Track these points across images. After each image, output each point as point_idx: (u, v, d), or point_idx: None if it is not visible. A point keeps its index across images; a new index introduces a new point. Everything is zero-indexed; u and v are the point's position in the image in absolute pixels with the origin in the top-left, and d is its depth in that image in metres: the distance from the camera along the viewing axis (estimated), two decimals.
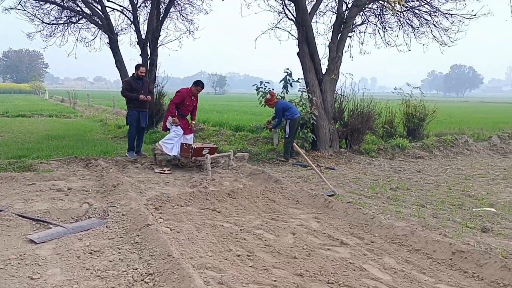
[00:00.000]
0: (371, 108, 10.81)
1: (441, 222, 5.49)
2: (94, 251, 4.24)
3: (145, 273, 3.73)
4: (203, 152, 8.26)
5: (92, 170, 8.06)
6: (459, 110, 30.78)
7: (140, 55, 12.91)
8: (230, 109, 27.67)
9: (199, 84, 8.96)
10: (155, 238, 4.36)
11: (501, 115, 24.81)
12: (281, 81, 10.58)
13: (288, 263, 4.15)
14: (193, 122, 9.16)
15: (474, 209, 6.16)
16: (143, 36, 13.06)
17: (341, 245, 4.71)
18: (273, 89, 10.20)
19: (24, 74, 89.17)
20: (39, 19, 13.50)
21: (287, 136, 9.63)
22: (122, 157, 9.29)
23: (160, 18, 13.28)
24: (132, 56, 13.26)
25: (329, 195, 6.66)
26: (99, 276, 3.70)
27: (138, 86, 9.12)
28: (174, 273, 3.57)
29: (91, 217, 5.28)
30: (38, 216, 5.13)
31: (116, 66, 13.05)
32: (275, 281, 3.73)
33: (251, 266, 4.05)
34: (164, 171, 8.30)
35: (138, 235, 4.57)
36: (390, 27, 13.03)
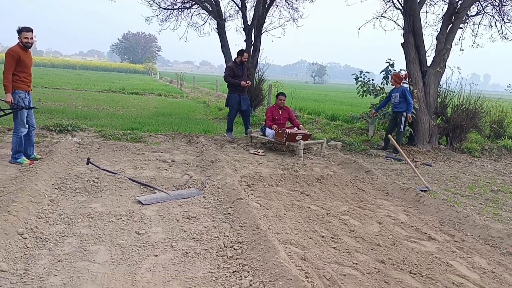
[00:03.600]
0: (478, 105, 10.12)
1: None
2: (191, 217, 4.68)
3: (235, 241, 4.06)
4: (297, 138, 8.46)
5: (194, 146, 8.69)
6: None
7: (244, 40, 13.42)
8: (327, 98, 27.49)
9: (278, 96, 9.21)
10: (246, 211, 4.68)
11: None
12: (382, 71, 10.35)
13: (371, 249, 4.22)
14: (299, 125, 9.24)
15: None
16: (249, 23, 13.54)
17: (428, 239, 4.64)
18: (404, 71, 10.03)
19: (139, 56, 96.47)
20: (157, 4, 14.63)
21: (401, 130, 9.34)
22: (221, 136, 9.85)
23: (266, 5, 13.65)
24: (237, 42, 13.86)
25: (422, 191, 6.49)
26: (194, 238, 4.12)
27: (240, 72, 9.63)
28: (261, 244, 3.85)
29: (190, 187, 5.78)
30: (145, 182, 5.74)
31: (222, 51, 13.71)
32: (356, 264, 3.84)
33: (334, 248, 4.19)
34: (259, 152, 8.66)
35: (231, 207, 4.94)
36: (509, 19, 12.00)
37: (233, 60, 13.00)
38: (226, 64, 13.67)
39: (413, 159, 8.99)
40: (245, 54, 9.69)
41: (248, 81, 9.66)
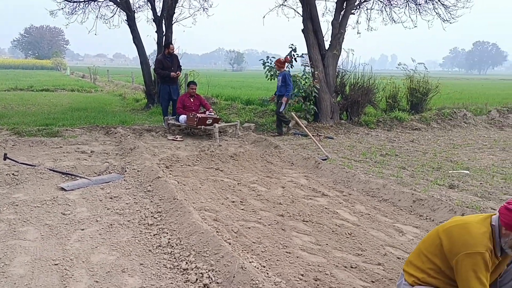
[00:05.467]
0: (371, 83, 11.40)
1: (415, 181, 6.23)
2: (114, 197, 5.13)
3: (155, 211, 4.61)
4: (207, 122, 9.07)
5: (112, 137, 8.96)
6: (475, 87, 30.85)
7: (155, 31, 13.65)
8: (244, 85, 28.31)
9: (189, 84, 9.85)
10: (164, 187, 5.23)
11: None
12: (286, 55, 11.23)
13: (274, 207, 4.98)
14: (210, 109, 9.79)
15: (450, 171, 6.86)
16: (159, 14, 13.77)
17: (322, 196, 5.51)
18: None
19: (46, 51, 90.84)
20: None
21: (280, 110, 9.83)
22: (139, 126, 10.18)
23: None
24: (148, 33, 14.00)
25: (323, 159, 7.42)
26: (117, 213, 4.60)
27: (169, 64, 10.19)
28: (177, 211, 4.44)
29: (111, 173, 6.18)
30: (66, 171, 6.04)
31: (134, 43, 13.84)
32: (260, 219, 4.57)
33: (242, 209, 4.89)
34: (177, 138, 9.15)
35: (150, 185, 5.45)
36: (396, 5, 13.47)
37: (146, 51, 13.29)
38: (139, 56, 13.90)
39: (317, 133, 10.01)
40: (171, 46, 10.27)
41: (178, 72, 10.15)
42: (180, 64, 10.70)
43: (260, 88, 24.12)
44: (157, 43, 13.44)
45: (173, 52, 10.30)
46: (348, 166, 7.04)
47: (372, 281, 3.32)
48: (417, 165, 7.34)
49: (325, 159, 7.52)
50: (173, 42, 14.04)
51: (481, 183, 6.15)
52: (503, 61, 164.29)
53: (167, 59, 10.25)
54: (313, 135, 9.68)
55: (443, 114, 12.49)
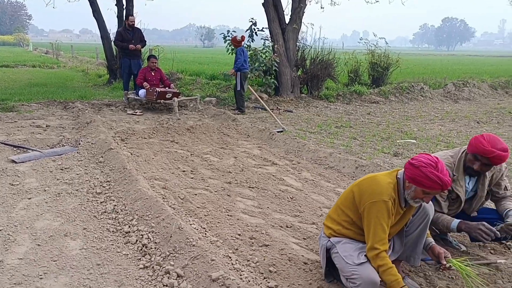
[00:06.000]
0: (330, 57, 11.60)
1: (363, 149, 6.51)
2: (65, 168, 5.18)
3: (104, 181, 4.71)
4: (167, 96, 9.09)
5: (70, 112, 8.89)
6: (440, 63, 31.55)
7: (115, 5, 13.37)
8: (212, 61, 28.10)
9: (149, 58, 9.82)
10: (115, 157, 5.31)
11: (475, 67, 25.57)
12: (247, 30, 11.27)
13: (223, 175, 5.15)
14: (170, 85, 9.78)
15: (398, 141, 7.17)
16: None
17: (272, 165, 5.71)
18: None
19: (8, 26, 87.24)
20: None
21: (238, 89, 9.63)
22: (99, 100, 10.11)
23: None
24: (109, 6, 13.69)
25: (279, 131, 7.61)
26: (66, 183, 4.67)
27: (129, 36, 10.16)
28: (126, 179, 4.55)
29: (64, 145, 6.20)
30: (18, 144, 6.02)
31: (94, 16, 13.52)
32: (207, 186, 4.74)
33: (191, 178, 5.04)
34: (136, 112, 9.15)
35: (102, 157, 5.52)
36: None
37: (107, 25, 13.06)
38: (100, 30, 13.63)
39: (277, 107, 10.19)
40: (130, 18, 10.31)
41: (138, 45, 10.09)
42: (145, 38, 10.63)
43: (228, 64, 23.94)
44: (117, 16, 13.18)
45: (134, 24, 10.23)
46: (302, 137, 7.26)
47: (304, 238, 3.55)
48: (368, 135, 7.63)
49: (281, 131, 7.72)
50: (135, 16, 13.86)
51: (424, 151, 6.47)
52: (470, 38, 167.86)
53: (128, 32, 10.20)
54: (273, 109, 9.87)
55: (401, 88, 12.86)
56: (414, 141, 7.17)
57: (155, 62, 9.73)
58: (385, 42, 14.69)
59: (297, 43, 11.53)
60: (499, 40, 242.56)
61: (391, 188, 2.54)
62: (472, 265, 3.11)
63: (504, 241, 3.41)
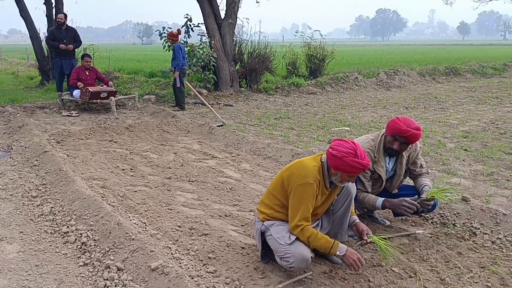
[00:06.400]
0: (267, 51, 11.85)
1: (300, 139, 6.79)
2: None
3: (40, 184, 4.62)
4: (101, 96, 8.93)
5: (0, 116, 8.51)
6: (374, 53, 32.89)
7: (44, 3, 12.85)
8: (152, 58, 27.64)
9: (82, 57, 9.64)
10: (51, 160, 5.21)
11: (406, 56, 26.93)
12: (182, 26, 11.25)
13: (162, 171, 5.20)
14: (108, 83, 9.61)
15: (332, 129, 7.52)
16: None
17: (211, 158, 5.83)
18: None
19: None
20: None
21: (178, 85, 9.49)
22: (31, 103, 9.73)
23: None
24: (37, 5, 13.13)
25: (219, 126, 7.73)
26: (0, 188, 4.54)
27: (61, 36, 9.91)
28: (63, 181, 4.50)
29: None
30: None
31: (21, 16, 12.92)
32: (147, 183, 4.78)
33: (131, 176, 5.05)
34: (72, 114, 8.92)
35: (37, 160, 5.39)
36: None
37: (36, 24, 12.57)
38: (28, 30, 13.05)
39: (217, 102, 10.30)
40: (59, 15, 10.17)
41: (70, 46, 9.84)
42: (80, 38, 10.35)
43: (167, 60, 23.64)
44: (46, 16, 12.70)
45: (62, 22, 9.93)
46: (242, 130, 7.42)
47: (242, 225, 3.71)
48: (305, 125, 7.93)
49: (221, 125, 7.84)
50: (65, 13, 13.39)
51: (356, 137, 6.84)
52: (403, 28, 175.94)
53: (60, 31, 9.92)
54: (213, 104, 9.96)
55: (337, 78, 13.38)
56: (348, 128, 7.56)
57: (89, 61, 9.51)
58: (320, 34, 15.20)
59: (234, 38, 11.66)
60: (429, 29, 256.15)
61: (316, 171, 2.76)
62: (392, 238, 3.43)
63: (422, 214, 3.76)
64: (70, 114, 8.86)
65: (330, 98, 11.53)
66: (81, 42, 10.41)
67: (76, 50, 10.55)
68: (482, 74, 17.21)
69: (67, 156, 5.76)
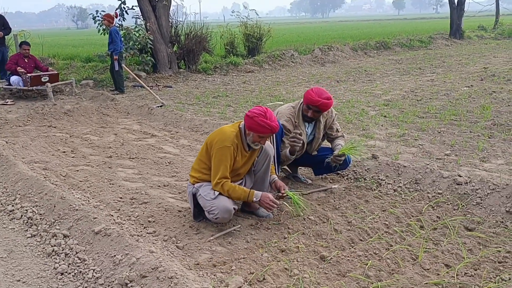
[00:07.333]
0: (204, 31, 12.08)
1: (236, 114, 7.20)
2: None
3: None
4: (42, 80, 8.87)
5: None
6: (313, 30, 33.66)
7: None
8: (88, 42, 26.82)
9: (21, 45, 9.41)
10: None
11: (343, 32, 27.88)
12: (116, 9, 11.21)
13: (103, 151, 5.44)
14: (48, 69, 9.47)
15: (267, 104, 7.99)
16: None
17: (151, 137, 6.12)
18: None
19: None
20: None
21: (117, 69, 9.52)
22: None
23: None
24: None
25: (158, 106, 7.97)
26: None
27: None
28: (4, 165, 4.65)
29: None
30: None
31: None
32: (89, 162, 5.02)
33: (72, 157, 5.26)
34: (7, 102, 8.79)
35: None
36: None
37: None
38: None
39: (156, 84, 10.46)
40: None
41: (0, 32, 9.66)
42: (9, 25, 10.10)
43: (104, 45, 23.12)
44: None
45: None
46: (181, 109, 7.72)
47: (179, 193, 4.08)
48: (242, 102, 8.35)
49: (161, 106, 8.08)
50: None
51: None
52: (341, 4, 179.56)
53: None
54: (152, 86, 10.13)
55: (274, 56, 13.86)
56: (282, 103, 8.03)
57: (28, 49, 9.33)
58: (256, 13, 15.56)
59: (170, 20, 11.77)
60: (367, 5, 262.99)
61: (233, 135, 3.18)
62: (312, 193, 3.94)
63: (338, 171, 4.31)
64: (5, 103, 8.72)
65: (267, 76, 11.99)
66: (10, 28, 10.17)
67: (6, 37, 10.30)
68: (410, 47, 18.33)
69: (6, 143, 5.83)
